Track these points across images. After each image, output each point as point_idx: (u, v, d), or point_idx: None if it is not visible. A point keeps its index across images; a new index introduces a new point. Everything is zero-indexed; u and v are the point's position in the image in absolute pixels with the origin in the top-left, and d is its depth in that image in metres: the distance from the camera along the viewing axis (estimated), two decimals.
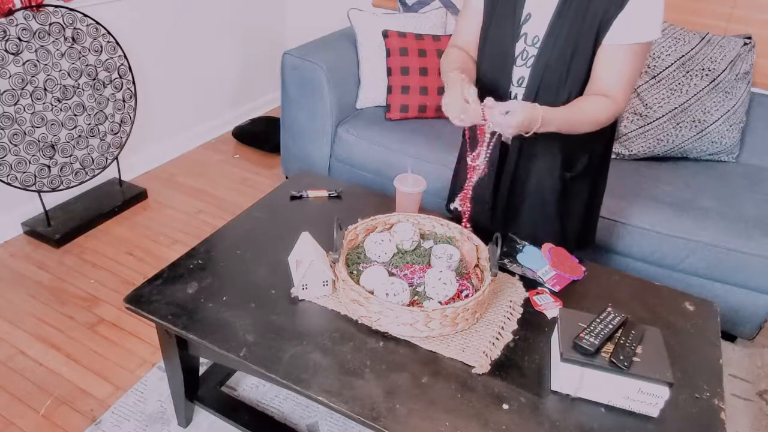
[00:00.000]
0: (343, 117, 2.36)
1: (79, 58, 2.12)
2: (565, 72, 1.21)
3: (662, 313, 1.29)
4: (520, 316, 1.25)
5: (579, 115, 1.19)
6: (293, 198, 1.63)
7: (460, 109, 1.15)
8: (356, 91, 2.42)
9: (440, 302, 1.20)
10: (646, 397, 1.02)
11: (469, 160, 1.25)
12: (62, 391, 1.61)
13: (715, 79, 2.10)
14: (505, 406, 1.04)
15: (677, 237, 1.84)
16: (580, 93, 1.23)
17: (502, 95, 1.31)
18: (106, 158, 2.34)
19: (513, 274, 1.37)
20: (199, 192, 2.60)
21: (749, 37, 2.12)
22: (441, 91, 2.29)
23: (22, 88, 1.98)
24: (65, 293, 1.96)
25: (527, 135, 1.15)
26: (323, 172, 2.39)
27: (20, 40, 1.94)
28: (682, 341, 1.22)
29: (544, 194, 1.41)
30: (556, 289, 1.33)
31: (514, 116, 1.10)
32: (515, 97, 1.31)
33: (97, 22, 2.14)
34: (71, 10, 2.06)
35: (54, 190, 2.17)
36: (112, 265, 2.11)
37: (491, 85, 1.32)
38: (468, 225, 1.36)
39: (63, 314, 1.87)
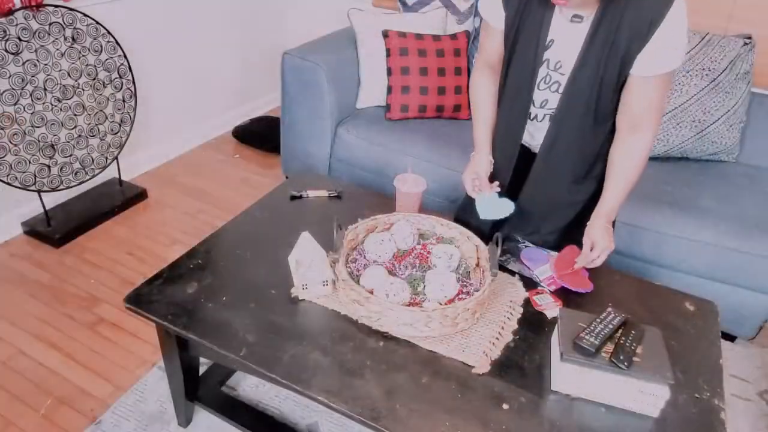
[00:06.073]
0: (343, 117, 2.36)
1: (79, 58, 2.12)
2: (594, 101, 1.24)
3: (662, 313, 1.29)
4: (520, 315, 1.25)
5: (631, 178, 1.28)
6: (293, 198, 1.63)
7: (471, 186, 1.40)
8: (356, 91, 2.41)
9: (440, 302, 1.20)
10: (647, 397, 1.02)
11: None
12: (62, 390, 1.61)
13: (715, 79, 2.10)
14: (505, 406, 1.04)
15: (677, 237, 1.84)
16: (605, 120, 1.27)
17: (523, 116, 1.35)
18: (106, 158, 2.34)
19: (513, 273, 1.37)
20: (199, 192, 2.59)
21: (749, 37, 2.11)
22: (441, 91, 2.29)
23: (22, 88, 1.98)
24: (65, 293, 1.96)
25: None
26: (323, 172, 2.39)
27: (20, 39, 1.94)
28: (682, 341, 1.22)
29: (561, 200, 1.42)
30: (552, 288, 1.33)
31: (598, 248, 1.28)
32: (535, 117, 1.34)
33: (97, 22, 2.14)
34: (71, 9, 2.05)
35: (54, 189, 2.17)
36: (112, 265, 2.11)
37: (514, 106, 1.35)
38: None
39: (63, 314, 1.87)
